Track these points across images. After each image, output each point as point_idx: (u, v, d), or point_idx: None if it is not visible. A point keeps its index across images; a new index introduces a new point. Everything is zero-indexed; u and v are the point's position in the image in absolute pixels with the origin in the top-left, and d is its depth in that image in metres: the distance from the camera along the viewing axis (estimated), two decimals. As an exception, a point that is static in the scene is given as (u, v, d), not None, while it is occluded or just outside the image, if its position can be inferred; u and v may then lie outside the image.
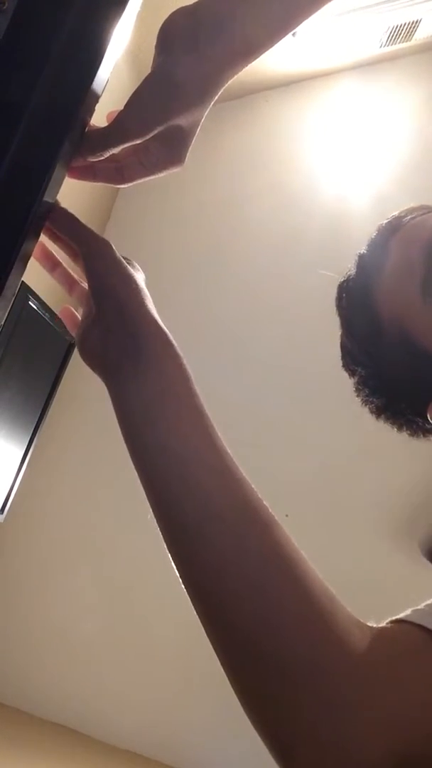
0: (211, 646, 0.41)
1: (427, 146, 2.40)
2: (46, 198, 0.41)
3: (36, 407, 2.27)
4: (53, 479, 2.59)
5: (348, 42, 2.47)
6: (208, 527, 0.40)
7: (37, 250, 0.48)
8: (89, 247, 0.46)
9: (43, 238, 0.48)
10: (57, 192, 0.43)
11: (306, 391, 2.27)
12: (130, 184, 0.49)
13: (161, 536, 0.43)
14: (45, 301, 2.09)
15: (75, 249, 0.47)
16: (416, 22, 2.32)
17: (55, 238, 0.49)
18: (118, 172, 0.48)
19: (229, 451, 0.43)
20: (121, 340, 0.45)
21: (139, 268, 0.49)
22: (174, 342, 0.46)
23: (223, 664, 0.40)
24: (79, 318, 0.50)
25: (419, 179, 2.32)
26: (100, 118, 0.47)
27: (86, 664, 2.35)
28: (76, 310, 0.52)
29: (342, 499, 2.15)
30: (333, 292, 0.64)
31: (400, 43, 2.43)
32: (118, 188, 2.98)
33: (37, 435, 2.28)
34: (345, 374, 0.65)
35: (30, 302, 2.04)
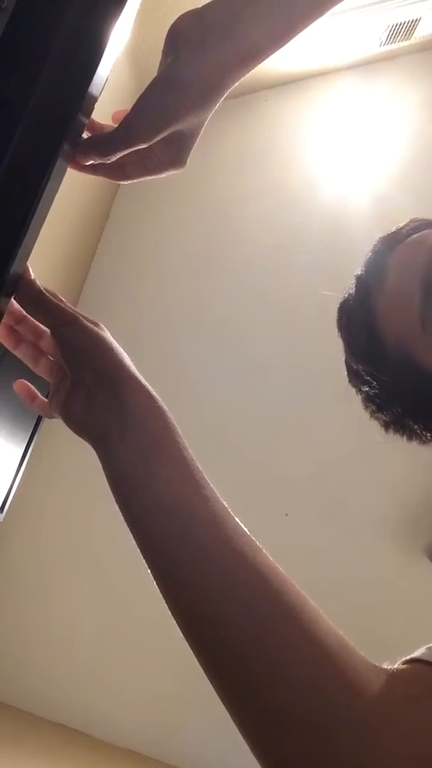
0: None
1: (426, 145, 2.40)
2: (14, 269, 0.41)
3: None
4: (53, 478, 2.60)
5: (347, 41, 2.47)
6: (206, 581, 0.40)
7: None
8: (56, 319, 0.46)
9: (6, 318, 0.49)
10: (52, 201, 0.43)
11: (306, 390, 2.27)
12: (129, 182, 0.49)
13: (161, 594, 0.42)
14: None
15: (39, 326, 0.49)
16: (416, 20, 2.32)
17: (17, 319, 0.50)
18: (119, 168, 0.48)
19: (222, 501, 0.43)
20: (104, 401, 0.45)
21: (105, 328, 0.49)
22: (156, 395, 0.46)
23: (231, 715, 0.39)
24: (38, 392, 0.54)
25: (418, 178, 2.32)
26: (101, 115, 0.47)
27: (86, 662, 2.35)
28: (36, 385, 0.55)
29: (342, 498, 2.15)
30: (333, 292, 0.64)
31: (399, 41, 2.43)
32: (118, 188, 2.98)
33: (36, 433, 2.28)
34: (344, 373, 0.65)
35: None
